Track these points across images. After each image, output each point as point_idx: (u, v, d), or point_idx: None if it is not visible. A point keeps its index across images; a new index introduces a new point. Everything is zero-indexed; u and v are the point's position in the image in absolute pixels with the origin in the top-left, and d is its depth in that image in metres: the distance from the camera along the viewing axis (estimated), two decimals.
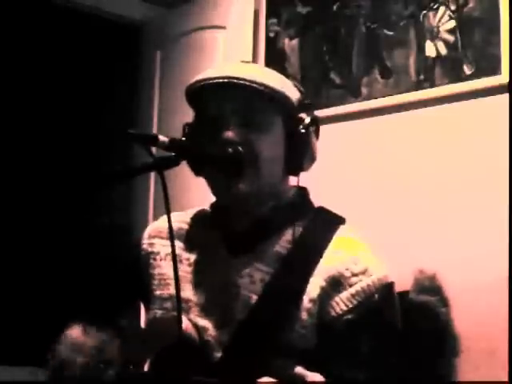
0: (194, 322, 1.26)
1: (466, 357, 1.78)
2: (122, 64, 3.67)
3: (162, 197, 1.10)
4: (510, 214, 1.95)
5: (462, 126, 2.30)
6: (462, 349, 1.74)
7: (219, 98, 1.29)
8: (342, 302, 1.23)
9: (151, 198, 3.20)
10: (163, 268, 1.37)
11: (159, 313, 1.33)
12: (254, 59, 2.90)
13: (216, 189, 1.32)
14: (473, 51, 2.27)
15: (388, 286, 1.27)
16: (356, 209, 2.45)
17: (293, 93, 1.32)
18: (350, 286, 1.24)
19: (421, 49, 2.42)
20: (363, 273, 1.25)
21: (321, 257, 1.27)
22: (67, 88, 3.58)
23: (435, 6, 2.38)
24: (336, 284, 1.24)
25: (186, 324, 1.22)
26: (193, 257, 1.35)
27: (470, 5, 2.29)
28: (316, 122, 1.33)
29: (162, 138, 1.17)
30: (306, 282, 1.24)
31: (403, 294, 1.57)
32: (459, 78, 2.30)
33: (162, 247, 1.40)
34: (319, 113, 2.50)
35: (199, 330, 1.25)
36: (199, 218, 1.42)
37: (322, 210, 1.39)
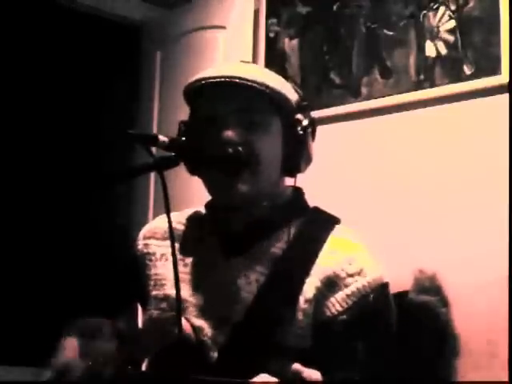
0: (190, 322, 1.26)
1: (465, 357, 1.78)
2: (122, 64, 3.67)
3: (162, 197, 1.10)
4: (510, 213, 1.94)
5: (462, 126, 2.30)
6: (462, 349, 1.74)
7: (219, 98, 1.29)
8: (337, 303, 1.23)
9: (151, 198, 3.20)
10: (158, 268, 1.38)
11: (156, 313, 1.33)
12: (254, 59, 2.90)
13: (214, 189, 1.32)
14: (473, 51, 2.27)
15: (383, 287, 1.28)
16: (356, 209, 2.45)
17: (292, 94, 1.33)
18: (346, 286, 1.24)
19: (421, 49, 2.42)
20: (358, 273, 1.25)
21: (316, 257, 1.27)
22: (67, 88, 3.58)
23: (435, 6, 2.38)
24: (331, 284, 1.24)
25: (183, 324, 1.22)
26: (188, 257, 1.35)
27: (470, 5, 2.29)
28: (313, 124, 1.33)
29: (162, 137, 1.17)
30: (301, 282, 1.25)
31: (403, 294, 1.57)
32: (459, 78, 2.30)
33: (157, 248, 1.40)
34: (319, 113, 2.54)
35: (196, 330, 1.25)
36: (194, 219, 1.42)
37: (317, 210, 1.39)
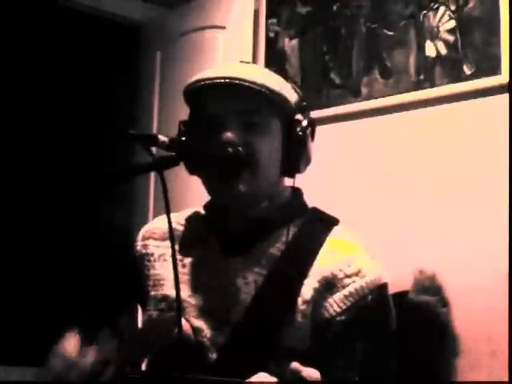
0: (190, 322, 1.27)
1: (466, 357, 1.79)
2: (122, 64, 3.67)
3: (162, 197, 1.10)
4: (510, 213, 1.94)
5: (462, 126, 2.30)
6: (462, 349, 1.74)
7: (219, 98, 1.29)
8: (335, 304, 1.24)
9: (151, 197, 3.20)
10: (157, 269, 1.38)
11: (155, 314, 1.33)
12: (254, 59, 2.90)
13: (214, 189, 1.32)
14: (473, 51, 2.27)
15: (381, 287, 1.27)
16: (356, 209, 2.45)
17: (291, 95, 1.33)
18: (344, 287, 1.24)
19: (421, 49, 2.42)
20: (356, 274, 1.25)
21: (314, 258, 1.27)
22: (67, 88, 3.58)
23: (435, 6, 2.38)
24: (329, 285, 1.24)
25: (183, 324, 1.22)
26: (187, 258, 1.35)
27: (470, 5, 2.29)
28: (312, 125, 1.33)
29: (162, 137, 1.17)
30: (299, 283, 1.25)
31: (403, 294, 1.57)
32: (459, 78, 2.30)
33: (155, 248, 1.40)
34: (319, 113, 2.54)
35: (195, 330, 1.25)
36: (193, 219, 1.42)
37: (315, 210, 1.39)
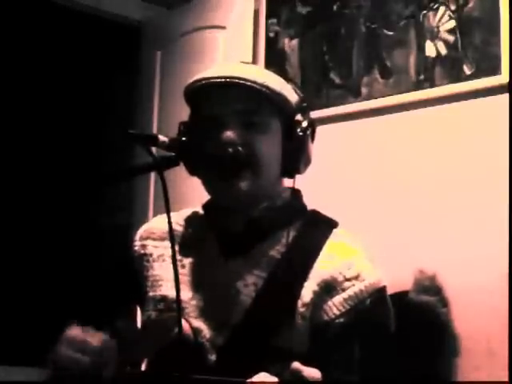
0: (189, 322, 1.26)
1: (466, 357, 1.79)
2: (122, 64, 3.67)
3: (162, 197, 1.10)
4: (510, 213, 1.94)
5: (462, 126, 2.30)
6: (462, 349, 1.74)
7: (219, 98, 1.29)
8: (334, 307, 1.23)
9: (151, 197, 3.20)
10: (155, 269, 1.37)
11: (153, 314, 1.33)
12: (254, 59, 2.90)
13: (214, 189, 1.32)
14: (473, 51, 2.27)
15: (381, 291, 1.27)
16: (356, 209, 2.45)
17: (292, 95, 1.33)
18: (343, 290, 1.24)
19: (421, 49, 2.42)
20: (356, 277, 1.25)
21: (314, 261, 1.27)
22: (67, 88, 3.59)
23: (435, 6, 2.38)
24: (329, 288, 1.24)
25: (183, 325, 1.22)
26: (186, 258, 1.35)
27: (470, 5, 2.28)
28: (313, 125, 1.33)
29: (162, 137, 1.17)
30: (299, 286, 1.25)
31: (403, 294, 1.57)
32: (459, 78, 2.29)
33: (154, 249, 1.40)
34: (319, 113, 2.54)
35: (195, 331, 1.25)
36: (192, 219, 1.42)
37: (315, 213, 1.39)
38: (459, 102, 2.31)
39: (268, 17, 2.96)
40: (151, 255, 1.39)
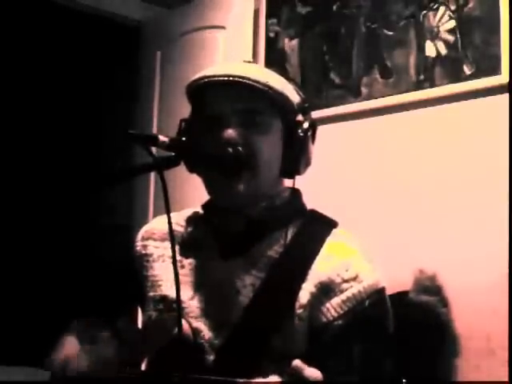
0: (189, 322, 1.26)
1: (466, 357, 1.79)
2: (122, 64, 3.67)
3: (162, 197, 1.10)
4: (510, 214, 1.94)
5: (462, 126, 2.30)
6: (462, 349, 1.74)
7: (221, 97, 1.28)
8: (332, 308, 1.23)
9: (151, 197, 3.20)
10: (155, 269, 1.37)
11: (154, 314, 1.33)
12: (254, 59, 2.90)
13: (214, 188, 1.32)
14: (473, 51, 2.27)
15: (379, 292, 1.26)
16: (356, 209, 2.45)
17: (294, 96, 1.32)
18: (341, 292, 1.23)
19: (421, 49, 2.42)
20: (354, 279, 1.24)
21: (312, 262, 1.26)
22: (67, 88, 3.59)
23: (435, 6, 2.38)
24: (327, 290, 1.24)
25: (183, 325, 1.22)
26: (186, 259, 1.34)
27: (470, 5, 2.29)
28: (314, 126, 1.33)
29: (162, 137, 1.17)
30: (297, 287, 1.24)
31: (403, 294, 1.57)
32: (459, 78, 2.30)
33: (154, 249, 1.40)
34: (319, 113, 2.54)
35: (194, 331, 1.25)
36: (192, 220, 1.42)
37: (314, 212, 1.38)
38: (459, 102, 2.31)
39: (268, 17, 2.96)
40: (152, 255, 1.39)
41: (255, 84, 1.25)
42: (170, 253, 1.33)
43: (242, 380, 1.05)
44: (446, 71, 2.34)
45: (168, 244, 1.37)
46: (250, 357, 1.21)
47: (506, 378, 1.82)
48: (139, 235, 1.45)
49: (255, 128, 1.27)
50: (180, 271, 1.31)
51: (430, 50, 2.39)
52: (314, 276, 1.25)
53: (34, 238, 3.33)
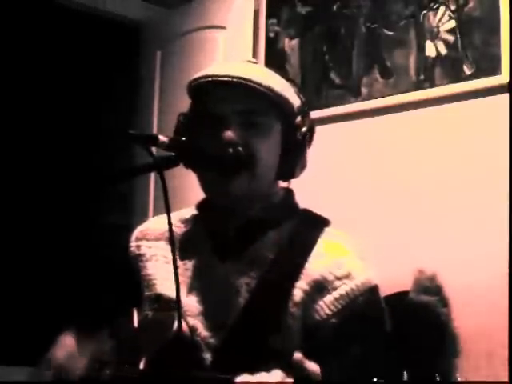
0: (186, 321, 1.27)
1: (466, 357, 1.78)
2: (122, 64, 3.67)
3: (162, 197, 1.10)
4: (510, 214, 1.95)
5: (462, 126, 2.30)
6: (462, 349, 1.74)
7: (223, 97, 1.28)
8: (325, 306, 1.23)
9: (151, 197, 3.20)
10: (149, 269, 1.38)
11: (149, 313, 1.33)
12: (254, 59, 2.90)
13: (211, 188, 1.32)
14: (473, 51, 2.27)
15: (372, 289, 1.27)
16: (356, 209, 2.45)
17: (294, 99, 1.32)
18: (334, 289, 1.23)
19: (421, 49, 2.42)
20: (347, 276, 1.24)
21: (306, 261, 1.26)
22: (67, 88, 3.58)
23: (435, 6, 2.38)
24: (320, 288, 1.24)
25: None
26: (181, 259, 1.35)
27: (470, 5, 2.29)
28: (312, 130, 1.33)
29: (162, 137, 1.17)
30: (291, 286, 1.24)
31: (403, 294, 1.57)
32: (459, 78, 2.30)
33: (147, 249, 1.41)
34: (319, 113, 2.54)
35: (190, 329, 1.26)
36: (187, 220, 1.42)
37: (307, 212, 1.39)
38: (459, 102, 2.31)
39: (268, 17, 2.96)
40: (145, 255, 1.40)
41: (257, 86, 1.25)
42: (162, 252, 1.36)
43: (238, 380, 1.05)
44: (446, 71, 2.34)
45: (161, 244, 1.38)
46: (246, 355, 1.21)
47: (506, 378, 1.82)
48: (133, 236, 1.46)
49: (255, 129, 1.27)
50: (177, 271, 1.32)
51: (430, 49, 2.39)
52: (307, 274, 1.25)
53: (34, 239, 3.33)
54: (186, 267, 1.34)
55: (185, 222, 1.42)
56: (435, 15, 2.38)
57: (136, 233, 1.46)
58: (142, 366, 1.34)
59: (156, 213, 2.98)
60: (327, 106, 2.65)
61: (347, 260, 1.27)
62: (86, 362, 1.22)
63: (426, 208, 2.33)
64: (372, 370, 1.21)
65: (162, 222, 1.40)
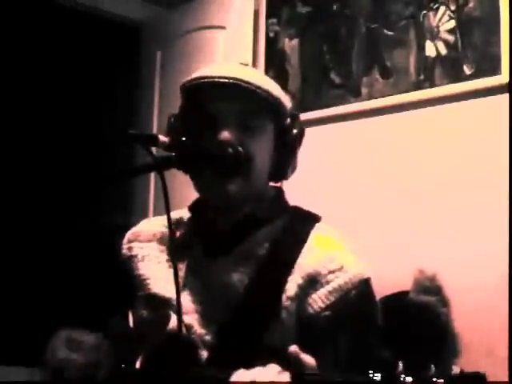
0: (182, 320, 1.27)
1: (466, 357, 1.78)
2: (122, 64, 3.67)
3: (162, 197, 1.10)
4: (510, 214, 1.94)
5: (462, 126, 2.30)
6: (462, 349, 1.74)
7: (220, 98, 1.29)
8: (319, 299, 1.24)
9: (151, 197, 3.20)
10: (141, 269, 1.39)
11: (144, 313, 1.34)
12: (254, 59, 2.90)
13: (207, 188, 1.33)
14: (473, 51, 2.27)
15: (365, 282, 1.28)
16: (356, 209, 2.45)
17: (288, 102, 1.35)
18: (327, 283, 1.25)
19: (421, 49, 2.42)
20: (339, 270, 1.26)
21: (298, 255, 1.28)
22: (67, 88, 3.58)
23: (435, 6, 2.38)
24: (313, 282, 1.25)
25: (174, 322, 1.22)
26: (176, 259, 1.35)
27: (470, 5, 2.29)
28: (302, 133, 1.36)
29: (162, 137, 1.17)
30: (284, 280, 1.26)
31: (403, 294, 1.57)
32: (459, 78, 2.30)
33: (139, 250, 1.42)
34: (319, 113, 2.54)
35: (186, 327, 1.26)
36: (180, 221, 1.43)
37: (297, 208, 1.40)
38: (459, 102, 2.31)
39: (268, 17, 2.96)
40: (137, 256, 1.41)
41: (255, 88, 1.26)
42: (154, 252, 1.38)
43: (235, 374, 1.05)
44: (446, 71, 2.34)
45: (153, 245, 1.40)
46: (242, 351, 1.22)
47: (505, 378, 1.82)
48: (125, 239, 1.47)
49: (250, 131, 1.29)
50: (170, 271, 1.32)
51: (430, 49, 2.39)
52: (300, 269, 1.27)
53: (33, 239, 3.33)
54: (179, 267, 1.34)
55: (177, 222, 1.42)
56: (435, 15, 2.38)
57: (128, 235, 1.47)
58: (138, 364, 1.35)
59: (156, 213, 2.98)
60: (327, 106, 2.65)
61: (339, 254, 1.29)
62: (83, 362, 1.22)
63: (425, 208, 2.33)
64: (366, 361, 1.22)
65: (153, 224, 1.43)
